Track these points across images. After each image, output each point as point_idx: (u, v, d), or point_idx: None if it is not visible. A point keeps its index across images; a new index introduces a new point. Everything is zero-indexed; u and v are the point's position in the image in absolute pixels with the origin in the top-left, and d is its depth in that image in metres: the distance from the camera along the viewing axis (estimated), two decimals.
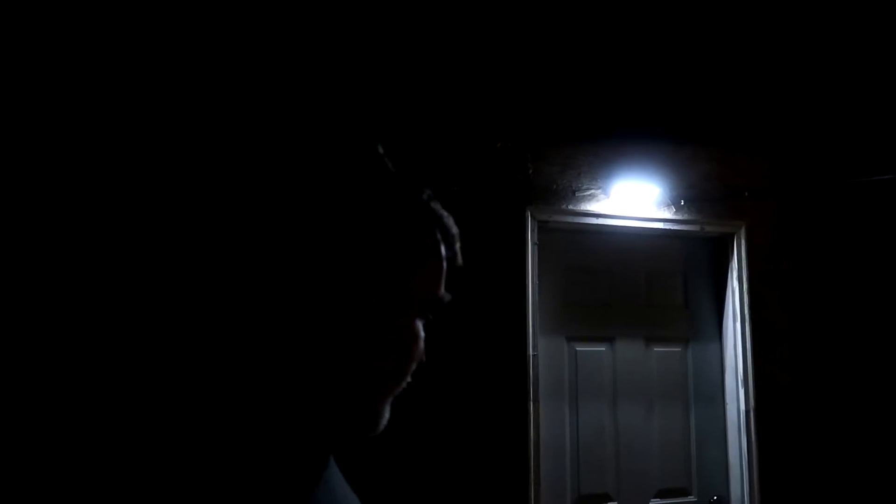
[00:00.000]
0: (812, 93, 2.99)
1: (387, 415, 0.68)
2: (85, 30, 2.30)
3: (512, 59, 2.71)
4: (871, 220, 3.21)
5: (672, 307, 3.22)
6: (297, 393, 0.62)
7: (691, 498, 3.10)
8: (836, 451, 3.09)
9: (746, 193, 3.19)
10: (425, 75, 2.78)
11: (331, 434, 0.66)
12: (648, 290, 3.19)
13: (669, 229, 3.12)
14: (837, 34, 2.55)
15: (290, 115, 2.51)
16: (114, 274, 2.16)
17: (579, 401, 3.00)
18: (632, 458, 3.02)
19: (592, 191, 3.02)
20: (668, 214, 3.11)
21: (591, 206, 3.00)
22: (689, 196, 3.14)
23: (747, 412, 3.05)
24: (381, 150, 0.68)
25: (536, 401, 2.80)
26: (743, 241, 3.17)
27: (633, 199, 3.04)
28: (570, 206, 2.98)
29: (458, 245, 0.72)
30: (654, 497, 3.04)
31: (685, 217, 3.13)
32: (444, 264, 0.70)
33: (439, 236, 0.69)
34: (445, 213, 0.71)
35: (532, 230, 2.90)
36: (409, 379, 0.69)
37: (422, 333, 0.69)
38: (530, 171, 2.94)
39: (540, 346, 2.87)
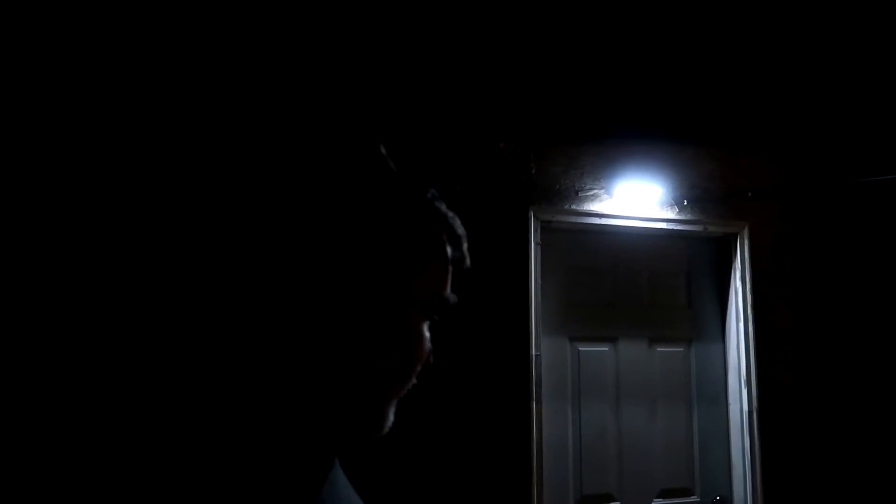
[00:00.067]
0: (816, 92, 2.98)
1: (392, 417, 0.67)
2: (85, 30, 2.31)
3: (515, 60, 2.71)
4: (874, 219, 3.20)
5: (675, 307, 3.21)
6: (299, 394, 0.62)
7: (694, 498, 3.10)
8: (839, 451, 3.08)
9: (750, 193, 3.19)
10: (429, 76, 2.78)
11: (336, 436, 0.66)
12: (651, 290, 3.18)
13: (672, 229, 3.12)
14: (841, 34, 2.55)
15: (292, 116, 2.51)
16: (116, 274, 2.17)
17: (582, 401, 3.00)
18: (634, 459, 3.02)
19: (595, 191, 3.01)
20: (672, 214, 3.11)
21: (594, 206, 3.00)
22: (693, 196, 3.13)
23: (750, 412, 3.05)
24: (383, 150, 0.68)
25: (539, 401, 2.80)
26: (746, 241, 3.16)
27: (637, 199, 3.04)
28: (574, 206, 2.98)
29: (465, 246, 0.71)
30: (657, 497, 3.03)
31: (688, 217, 3.12)
32: (450, 265, 0.70)
33: (444, 237, 0.68)
34: (451, 214, 0.70)
35: (535, 230, 2.90)
36: (414, 381, 0.68)
37: (427, 334, 0.68)
38: (533, 171, 2.94)
39: (543, 346, 2.87)
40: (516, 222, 2.88)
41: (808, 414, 3.11)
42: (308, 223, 0.62)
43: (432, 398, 2.61)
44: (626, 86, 2.92)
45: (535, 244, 2.89)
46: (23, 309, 2.11)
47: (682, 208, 3.12)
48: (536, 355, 2.82)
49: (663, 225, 3.09)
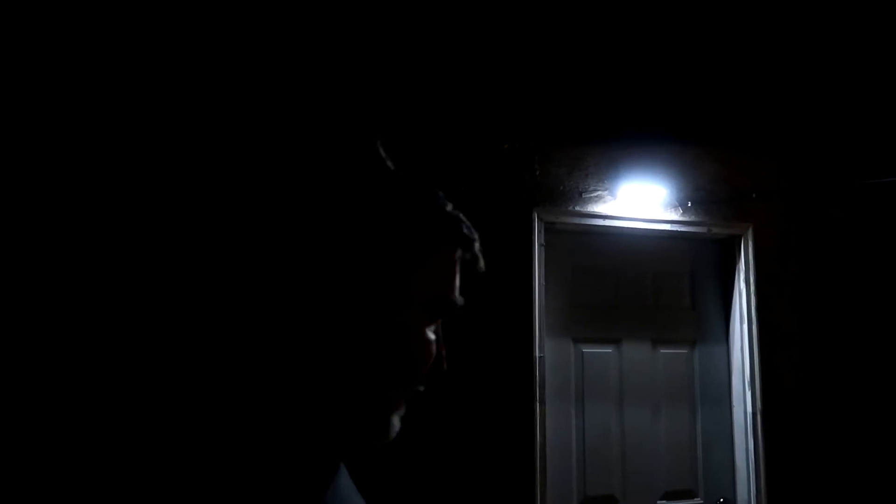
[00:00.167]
0: (819, 93, 2.98)
1: (397, 424, 0.65)
2: (85, 30, 2.31)
3: (519, 61, 2.71)
4: (878, 221, 3.19)
5: (679, 309, 3.21)
6: (300, 397, 0.61)
7: (698, 500, 3.09)
8: (843, 453, 3.07)
9: (754, 195, 3.18)
10: (433, 77, 2.78)
11: (339, 442, 0.64)
12: (655, 291, 3.18)
13: (676, 231, 3.11)
14: (845, 35, 2.54)
15: (287, 116, 2.51)
16: (117, 275, 2.17)
17: (585, 402, 2.99)
18: (638, 460, 3.02)
19: (599, 192, 3.01)
20: (675, 216, 3.10)
21: (598, 208, 3.00)
22: (696, 197, 3.13)
23: (754, 414, 3.04)
24: (379, 148, 0.66)
25: (543, 402, 2.79)
26: (750, 243, 3.16)
27: (640, 200, 3.04)
28: (577, 208, 2.97)
29: (476, 247, 0.69)
30: (661, 499, 3.03)
31: (692, 218, 3.12)
32: (456, 266, 0.68)
33: (449, 237, 0.67)
34: (459, 215, 0.68)
35: (539, 231, 2.90)
36: (421, 386, 0.66)
37: (432, 337, 0.66)
38: (537, 173, 2.94)
39: (546, 347, 2.86)
40: (520, 223, 2.88)
41: (813, 415, 3.10)
42: (300, 222, 0.61)
43: (437, 399, 2.61)
44: (630, 87, 2.91)
45: (539, 245, 2.89)
46: (25, 310, 2.11)
47: (685, 210, 3.11)
48: (540, 357, 2.81)
49: (667, 226, 3.09)
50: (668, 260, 3.20)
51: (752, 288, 3.12)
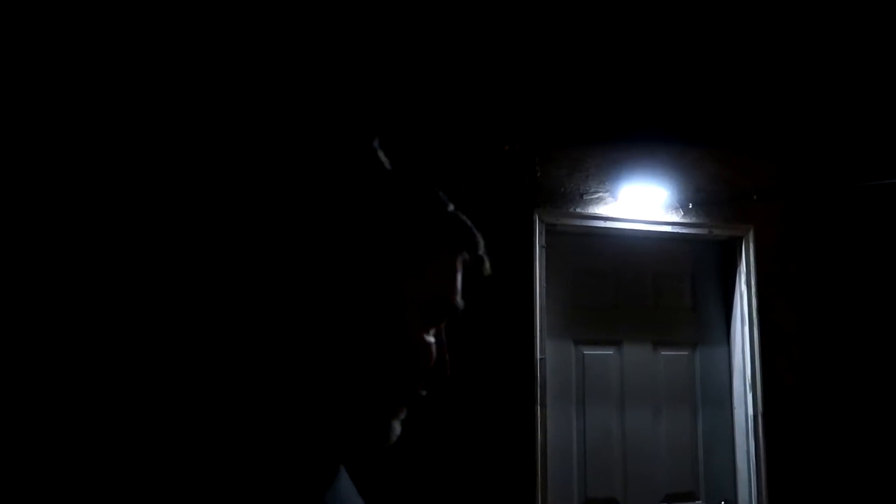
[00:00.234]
0: (820, 95, 2.98)
1: (398, 428, 0.64)
2: (85, 29, 2.31)
3: (520, 62, 2.70)
4: (879, 222, 3.19)
5: (680, 310, 3.21)
6: (297, 399, 0.60)
7: (699, 502, 3.09)
8: (845, 454, 3.07)
9: (754, 196, 3.18)
10: (434, 78, 2.78)
11: (337, 445, 0.63)
12: (656, 293, 3.18)
13: (677, 232, 3.11)
14: (845, 36, 2.54)
15: (282, 115, 2.51)
16: (118, 275, 2.17)
17: (586, 404, 2.99)
18: (639, 462, 3.01)
19: (600, 193, 3.01)
20: (676, 217, 3.10)
21: (599, 209, 3.00)
22: (697, 199, 3.13)
23: (755, 416, 3.04)
24: (376, 145, 0.64)
25: (544, 404, 2.79)
26: (751, 244, 3.15)
27: (641, 201, 3.04)
28: (578, 209, 2.97)
29: (481, 249, 0.67)
30: (662, 501, 3.02)
31: (693, 220, 3.12)
32: (457, 268, 0.66)
33: (450, 237, 0.65)
34: (461, 215, 0.66)
35: (540, 233, 2.89)
36: (422, 390, 0.65)
37: (431, 340, 0.64)
38: (538, 174, 2.94)
39: (547, 349, 2.86)
40: (521, 225, 2.88)
41: (814, 417, 3.10)
42: (292, 221, 0.60)
43: (438, 401, 2.60)
44: (631, 89, 2.91)
45: (540, 247, 2.89)
46: (26, 310, 2.11)
47: (686, 211, 3.11)
48: (541, 358, 2.81)
49: (668, 228, 3.09)
50: (668, 261, 3.20)
51: (753, 289, 3.12)
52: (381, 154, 0.65)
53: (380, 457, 2.32)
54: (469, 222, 0.67)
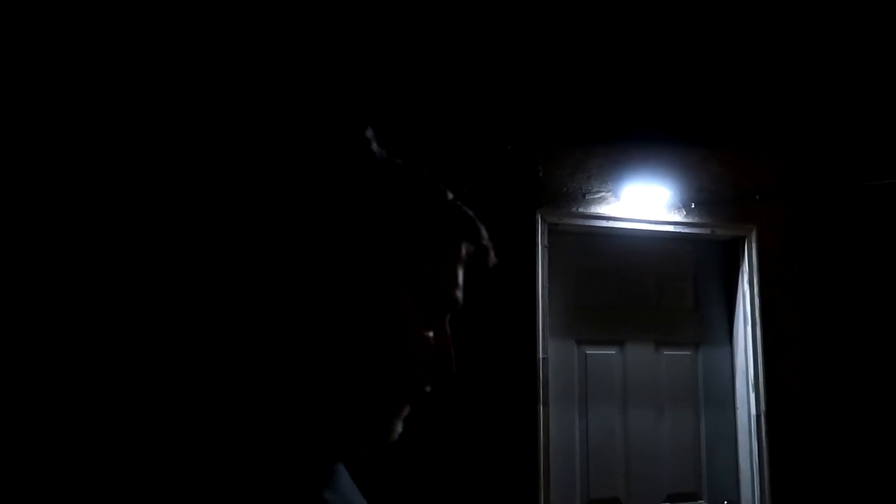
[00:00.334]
0: (823, 95, 2.97)
1: (399, 427, 0.62)
2: (84, 29, 2.32)
3: (523, 62, 2.70)
4: (882, 223, 3.19)
5: (682, 310, 3.20)
6: (294, 397, 0.59)
7: (702, 502, 3.08)
8: (847, 455, 3.06)
9: (757, 196, 3.18)
10: (437, 78, 2.78)
11: (338, 443, 0.62)
12: (659, 293, 3.17)
13: (680, 232, 3.11)
14: (848, 36, 2.54)
15: (277, 114, 2.50)
16: (115, 274, 2.17)
17: (589, 404, 2.99)
18: (642, 462, 3.01)
19: (603, 193, 3.01)
20: (679, 217, 3.10)
21: (602, 209, 3.00)
22: (700, 199, 3.12)
23: (758, 416, 3.03)
24: (368, 134, 0.62)
25: (546, 404, 2.79)
26: (754, 244, 3.15)
27: (644, 201, 3.04)
28: (581, 209, 2.97)
29: (484, 239, 0.65)
30: (664, 501, 3.02)
31: (695, 220, 3.11)
32: (458, 261, 0.64)
33: (449, 226, 0.63)
34: (461, 204, 0.64)
35: (542, 233, 2.89)
36: (426, 388, 0.63)
37: (430, 335, 0.62)
38: (540, 174, 2.94)
39: (550, 349, 2.86)
40: (523, 225, 2.88)
41: (817, 417, 3.10)
42: (284, 213, 0.58)
43: (440, 400, 2.60)
44: (634, 88, 2.91)
45: (543, 247, 2.89)
46: (22, 309, 2.12)
47: (689, 211, 3.11)
48: (543, 358, 2.81)
49: (670, 228, 3.09)
50: (671, 261, 3.19)
51: (756, 289, 3.12)
52: (374, 143, 0.62)
53: (382, 455, 2.32)
54: (470, 212, 0.64)
